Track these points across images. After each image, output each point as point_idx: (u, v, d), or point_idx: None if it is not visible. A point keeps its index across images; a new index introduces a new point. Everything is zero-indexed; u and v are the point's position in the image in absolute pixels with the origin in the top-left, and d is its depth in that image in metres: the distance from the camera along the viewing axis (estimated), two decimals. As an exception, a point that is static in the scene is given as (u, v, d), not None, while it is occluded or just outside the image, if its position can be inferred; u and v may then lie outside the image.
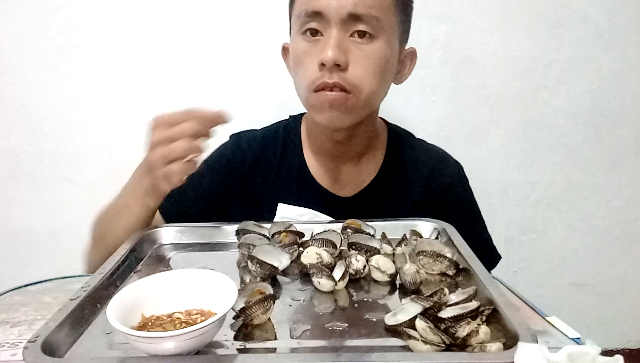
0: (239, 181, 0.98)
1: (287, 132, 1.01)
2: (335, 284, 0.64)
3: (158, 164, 0.71)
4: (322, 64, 0.79)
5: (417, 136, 1.05)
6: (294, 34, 0.86)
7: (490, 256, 0.99)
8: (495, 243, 1.01)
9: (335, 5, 0.79)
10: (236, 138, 1.02)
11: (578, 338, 0.56)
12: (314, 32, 0.82)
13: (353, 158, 0.96)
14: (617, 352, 0.42)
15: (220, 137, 1.01)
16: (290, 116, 1.04)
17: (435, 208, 0.94)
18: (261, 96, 1.34)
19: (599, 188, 1.51)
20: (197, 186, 0.93)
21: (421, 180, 0.97)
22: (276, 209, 0.92)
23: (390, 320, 0.55)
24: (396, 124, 1.04)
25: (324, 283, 0.64)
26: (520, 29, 1.37)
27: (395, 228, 0.80)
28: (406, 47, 0.92)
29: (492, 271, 0.95)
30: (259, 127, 1.05)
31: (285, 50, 0.95)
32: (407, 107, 1.39)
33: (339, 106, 0.82)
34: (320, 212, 0.90)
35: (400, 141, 1.01)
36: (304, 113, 1.02)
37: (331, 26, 0.80)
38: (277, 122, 1.04)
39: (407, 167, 0.98)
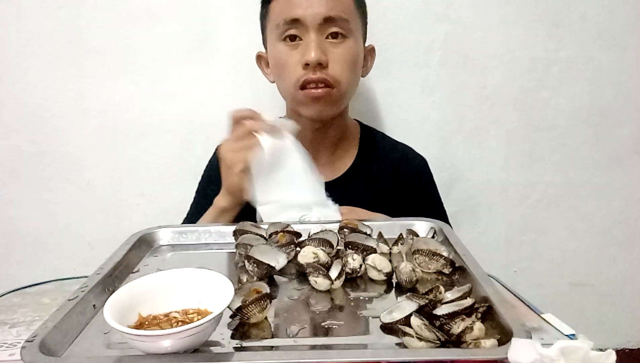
0: None
1: None
2: (332, 283, 0.64)
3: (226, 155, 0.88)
4: (307, 64, 0.92)
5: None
6: (273, 41, 0.98)
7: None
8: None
9: (311, 12, 0.92)
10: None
11: (573, 335, 0.56)
12: (294, 38, 0.95)
13: (328, 147, 1.09)
14: (617, 352, 0.42)
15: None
16: None
17: (403, 195, 1.08)
18: (260, 97, 1.34)
19: (599, 188, 1.50)
20: (209, 201, 0.97)
21: (391, 170, 1.11)
22: None
23: (386, 317, 0.55)
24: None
25: (320, 282, 0.64)
26: (520, 29, 1.36)
27: (391, 227, 0.81)
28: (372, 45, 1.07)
29: (491, 271, 0.95)
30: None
31: (260, 58, 1.08)
32: (407, 107, 1.39)
33: (324, 100, 0.96)
34: None
35: (371, 136, 1.15)
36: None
37: (309, 31, 0.93)
38: None
39: (378, 158, 1.11)
